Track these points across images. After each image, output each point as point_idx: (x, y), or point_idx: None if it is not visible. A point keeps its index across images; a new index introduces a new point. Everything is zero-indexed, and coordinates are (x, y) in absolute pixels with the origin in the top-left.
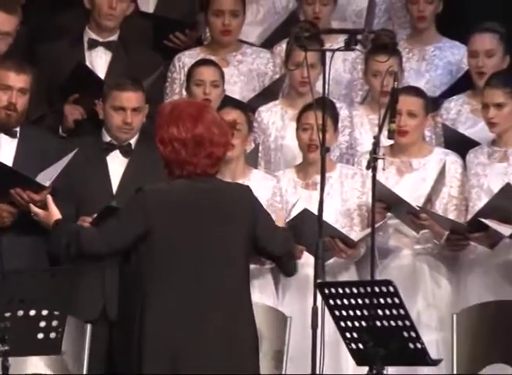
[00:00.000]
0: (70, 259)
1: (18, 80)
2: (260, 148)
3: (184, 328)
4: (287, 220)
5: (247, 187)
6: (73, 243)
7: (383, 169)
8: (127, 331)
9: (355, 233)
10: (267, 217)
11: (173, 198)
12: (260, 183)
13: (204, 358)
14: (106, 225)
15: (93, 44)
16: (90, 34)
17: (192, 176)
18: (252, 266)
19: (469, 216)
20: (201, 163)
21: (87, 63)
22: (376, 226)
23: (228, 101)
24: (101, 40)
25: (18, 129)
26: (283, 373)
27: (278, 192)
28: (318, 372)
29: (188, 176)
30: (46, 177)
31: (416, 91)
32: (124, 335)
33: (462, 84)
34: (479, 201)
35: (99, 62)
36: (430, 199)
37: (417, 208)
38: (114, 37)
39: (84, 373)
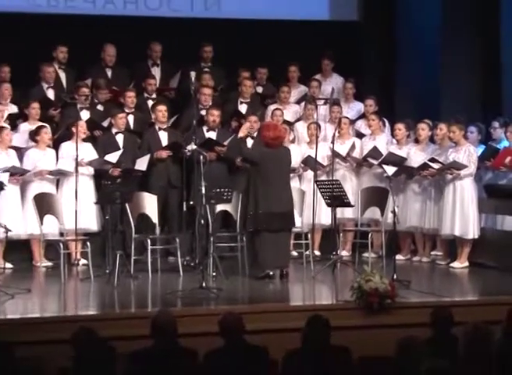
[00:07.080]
0: None
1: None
2: None
3: (273, 196)
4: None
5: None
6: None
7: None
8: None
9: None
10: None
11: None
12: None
13: (283, 205)
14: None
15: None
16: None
17: None
18: None
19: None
20: None
21: None
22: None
23: None
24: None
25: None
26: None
27: None
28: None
29: None
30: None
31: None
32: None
33: None
34: (364, 154)
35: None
36: (349, 152)
37: (345, 155)
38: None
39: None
